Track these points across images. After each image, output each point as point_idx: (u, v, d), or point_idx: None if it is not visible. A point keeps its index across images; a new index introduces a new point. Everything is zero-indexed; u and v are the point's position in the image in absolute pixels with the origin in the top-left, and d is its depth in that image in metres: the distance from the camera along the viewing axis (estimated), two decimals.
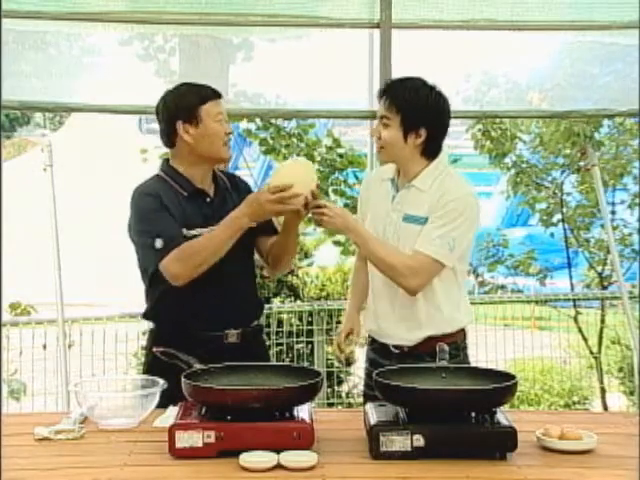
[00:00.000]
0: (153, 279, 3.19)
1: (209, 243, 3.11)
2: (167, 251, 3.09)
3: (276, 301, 7.11)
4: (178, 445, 2.50)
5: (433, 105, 3.24)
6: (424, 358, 3.12)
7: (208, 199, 3.26)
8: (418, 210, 3.24)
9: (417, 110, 3.21)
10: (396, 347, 3.32)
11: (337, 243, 6.91)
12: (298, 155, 7.10)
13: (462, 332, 3.37)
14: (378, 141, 3.27)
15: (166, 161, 3.33)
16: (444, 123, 3.27)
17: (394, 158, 3.28)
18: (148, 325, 3.42)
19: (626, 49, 4.88)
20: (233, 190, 3.34)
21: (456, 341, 3.32)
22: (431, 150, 3.26)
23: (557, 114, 5.40)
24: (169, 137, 3.24)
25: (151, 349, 3.21)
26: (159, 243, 3.11)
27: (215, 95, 3.24)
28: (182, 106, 3.20)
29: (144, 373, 3.22)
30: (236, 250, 3.15)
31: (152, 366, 3.16)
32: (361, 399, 3.73)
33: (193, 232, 3.15)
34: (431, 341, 3.21)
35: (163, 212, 3.16)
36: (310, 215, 3.19)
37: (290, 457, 2.43)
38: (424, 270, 3.18)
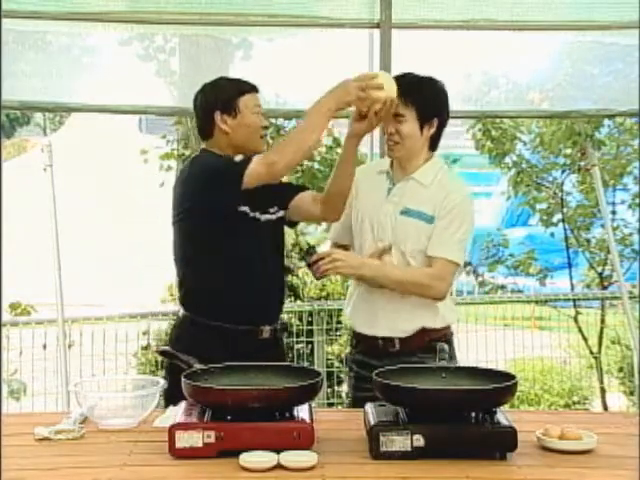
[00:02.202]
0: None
1: (301, 128, 3.20)
2: (249, 161, 3.09)
3: None
4: (178, 445, 2.49)
5: (441, 95, 3.31)
6: (416, 354, 3.12)
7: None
8: (420, 205, 3.26)
9: (430, 100, 3.27)
10: (385, 341, 3.28)
11: None
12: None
13: (450, 328, 3.38)
14: (393, 137, 3.26)
15: (203, 151, 3.36)
16: (449, 113, 3.34)
17: (408, 152, 3.29)
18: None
19: (626, 49, 4.88)
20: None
21: (446, 334, 3.33)
22: (436, 142, 3.33)
23: (557, 114, 5.40)
24: (206, 128, 3.30)
25: (175, 340, 3.27)
26: (239, 157, 3.17)
27: (253, 89, 3.32)
28: (221, 97, 3.27)
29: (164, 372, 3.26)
30: (268, 245, 3.23)
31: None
32: None
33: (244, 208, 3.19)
34: (424, 334, 3.25)
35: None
36: (316, 273, 3.19)
37: (290, 457, 2.43)
38: (447, 274, 3.23)
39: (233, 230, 3.18)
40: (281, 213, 3.33)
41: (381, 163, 3.44)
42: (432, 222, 3.23)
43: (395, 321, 3.27)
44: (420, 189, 3.28)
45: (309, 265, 3.20)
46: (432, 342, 3.23)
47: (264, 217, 3.26)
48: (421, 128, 3.25)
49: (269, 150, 3.25)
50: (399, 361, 3.03)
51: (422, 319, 3.27)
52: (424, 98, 3.26)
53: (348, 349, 3.59)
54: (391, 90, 3.12)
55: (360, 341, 3.40)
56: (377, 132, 4.70)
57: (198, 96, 3.35)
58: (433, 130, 3.27)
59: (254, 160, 3.09)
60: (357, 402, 3.10)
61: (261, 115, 3.32)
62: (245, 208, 3.19)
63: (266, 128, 3.37)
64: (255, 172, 3.07)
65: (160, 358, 5.26)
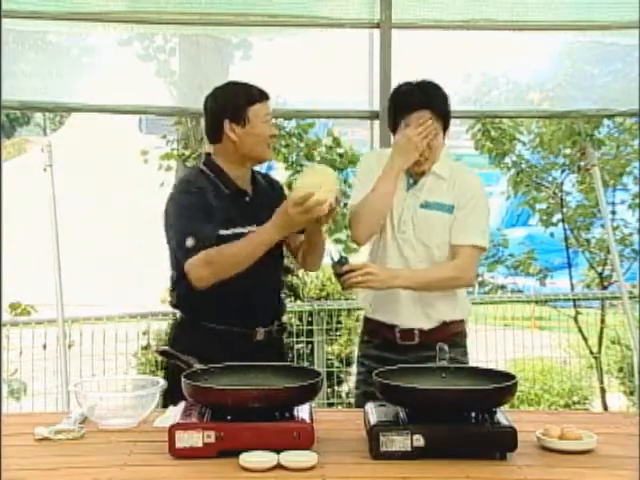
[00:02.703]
0: (183, 273, 3.19)
1: (238, 253, 3.10)
2: (195, 252, 3.10)
3: None
4: (178, 445, 2.50)
5: (446, 97, 3.35)
6: (433, 348, 3.12)
7: (247, 198, 3.28)
8: (440, 197, 3.31)
9: (447, 107, 3.32)
10: (404, 333, 3.32)
11: (338, 241, 6.91)
12: (298, 155, 7.10)
13: (464, 321, 3.45)
14: (425, 154, 3.26)
15: (208, 156, 3.34)
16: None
17: (435, 161, 3.32)
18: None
19: (626, 49, 4.88)
20: (271, 190, 3.38)
21: (463, 330, 3.42)
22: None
23: (557, 114, 5.40)
24: (215, 133, 3.27)
25: (173, 341, 3.28)
26: (190, 242, 3.12)
27: (264, 97, 3.27)
28: (231, 105, 3.23)
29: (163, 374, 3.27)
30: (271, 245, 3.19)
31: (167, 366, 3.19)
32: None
33: (229, 232, 3.17)
34: (444, 328, 3.32)
35: (200, 212, 3.16)
36: (345, 283, 3.20)
37: (290, 457, 2.43)
38: (473, 261, 3.32)
39: (221, 238, 3.17)
40: None
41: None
42: (452, 212, 3.29)
43: (415, 313, 3.32)
44: (439, 182, 3.33)
45: (339, 274, 3.18)
46: (452, 335, 3.32)
47: (253, 227, 3.24)
48: (444, 133, 3.32)
49: (204, 258, 3.08)
50: (417, 355, 3.07)
51: (442, 313, 3.33)
52: (445, 108, 3.31)
53: (357, 344, 3.62)
54: (331, 188, 3.06)
55: (375, 335, 3.42)
56: (377, 132, 4.71)
57: (208, 100, 3.32)
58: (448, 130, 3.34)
59: (194, 261, 3.09)
60: (367, 397, 3.09)
61: (271, 124, 3.29)
62: (227, 231, 3.17)
63: (274, 137, 3.34)
64: (189, 271, 3.11)
65: (160, 358, 5.26)
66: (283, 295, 3.54)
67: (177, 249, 3.16)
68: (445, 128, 3.31)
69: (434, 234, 3.29)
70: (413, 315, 3.32)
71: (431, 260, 3.32)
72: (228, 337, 3.16)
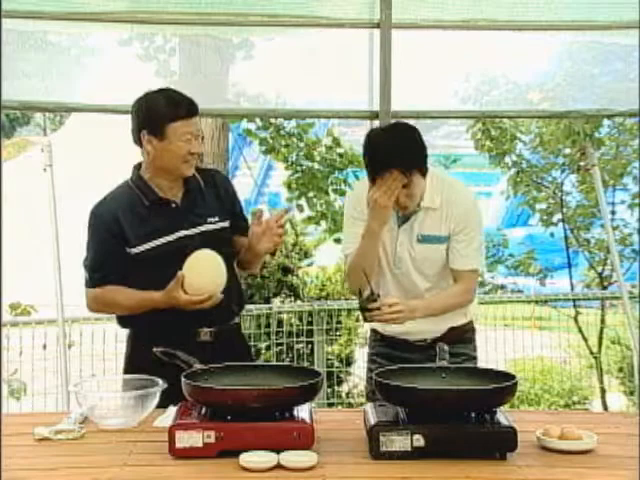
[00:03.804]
0: None
1: (126, 305, 3.23)
2: (89, 286, 3.26)
3: (276, 301, 7.12)
4: (178, 445, 2.50)
5: (419, 136, 3.25)
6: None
7: (173, 205, 3.25)
8: (435, 229, 3.31)
9: (421, 153, 3.24)
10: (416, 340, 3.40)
11: (338, 241, 6.91)
12: (298, 155, 7.11)
13: (472, 322, 3.54)
14: (405, 202, 3.23)
15: (137, 168, 3.32)
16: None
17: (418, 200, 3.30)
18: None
19: (626, 49, 4.88)
20: (208, 187, 3.31)
21: (472, 327, 3.51)
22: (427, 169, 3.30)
23: (557, 114, 5.39)
24: (136, 139, 3.26)
25: (131, 355, 3.33)
26: (86, 275, 3.26)
27: (189, 114, 3.17)
28: (150, 118, 3.17)
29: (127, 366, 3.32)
30: (211, 247, 3.17)
31: (133, 368, 3.18)
32: (361, 399, 3.75)
33: (142, 248, 3.18)
34: (452, 331, 3.39)
35: (101, 241, 3.22)
36: (372, 318, 3.21)
37: (290, 457, 2.43)
38: (475, 282, 3.46)
39: (142, 254, 3.21)
40: (226, 223, 3.30)
41: None
42: (447, 240, 3.31)
43: (422, 327, 3.34)
44: (431, 213, 3.31)
45: (367, 309, 3.17)
46: (462, 333, 3.43)
47: (198, 229, 3.24)
48: (424, 176, 3.25)
49: (96, 296, 3.25)
50: (429, 353, 3.11)
51: (449, 321, 3.39)
52: (419, 155, 3.23)
53: (368, 341, 3.66)
54: (216, 279, 3.14)
55: (383, 337, 3.47)
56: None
57: (135, 104, 3.25)
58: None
59: (88, 292, 3.27)
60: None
61: (193, 141, 3.17)
62: (149, 244, 3.19)
63: (198, 155, 3.23)
64: (85, 296, 3.28)
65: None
66: (241, 292, 3.50)
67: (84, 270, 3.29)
68: (423, 172, 3.22)
69: (433, 264, 3.34)
70: (422, 329, 3.36)
71: (430, 282, 3.35)
72: (173, 338, 3.06)
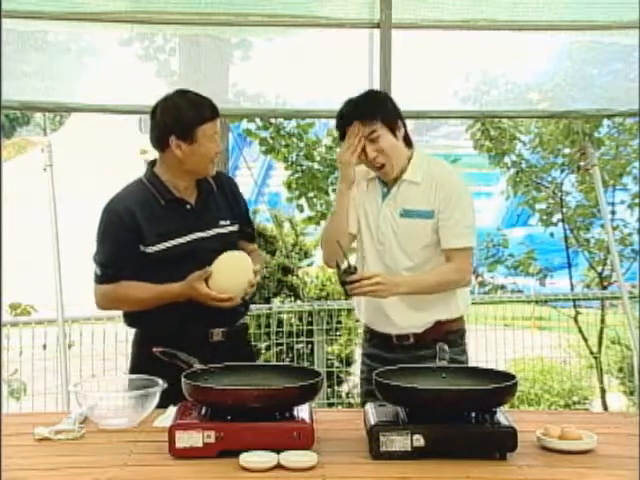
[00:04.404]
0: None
1: (143, 299, 3.20)
2: (101, 281, 3.23)
3: (276, 301, 7.11)
4: (178, 445, 2.50)
5: (387, 97, 3.43)
6: (429, 347, 3.10)
7: (189, 206, 3.26)
8: (418, 204, 3.29)
9: (383, 106, 3.32)
10: (399, 337, 3.33)
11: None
12: (298, 155, 7.11)
13: (463, 318, 3.44)
14: (378, 159, 3.27)
15: (151, 165, 3.31)
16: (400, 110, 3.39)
17: (397, 163, 3.30)
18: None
19: (626, 49, 4.88)
20: (219, 190, 3.34)
21: (461, 328, 3.41)
22: (409, 138, 3.35)
23: (557, 114, 5.40)
24: (160, 145, 3.24)
25: (138, 351, 3.30)
26: (98, 270, 3.25)
27: (213, 115, 3.21)
28: (179, 122, 3.17)
29: (132, 370, 3.28)
30: (221, 249, 3.18)
31: (140, 369, 3.16)
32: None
33: (157, 247, 3.18)
34: (439, 326, 3.31)
35: (115, 237, 3.21)
36: (352, 291, 3.19)
37: (290, 457, 2.43)
38: (467, 262, 3.33)
39: (157, 253, 3.21)
40: (235, 227, 3.32)
41: (367, 170, 3.41)
42: (432, 216, 3.28)
43: (408, 318, 3.32)
44: (413, 187, 3.31)
45: (346, 282, 3.16)
46: (448, 333, 3.32)
47: (213, 231, 3.25)
48: (394, 134, 3.28)
49: (107, 292, 3.24)
50: (414, 354, 3.11)
51: (436, 313, 3.33)
52: (379, 105, 3.31)
53: (361, 343, 3.63)
54: (246, 274, 3.16)
55: (374, 335, 3.44)
56: None
57: (157, 109, 3.24)
58: (403, 130, 3.31)
59: (98, 289, 3.26)
60: (368, 396, 3.10)
61: (218, 140, 3.24)
62: (164, 245, 3.19)
63: (219, 153, 3.29)
64: (94, 295, 3.28)
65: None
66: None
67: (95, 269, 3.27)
68: (391, 127, 3.27)
69: (416, 241, 3.30)
70: (405, 321, 3.32)
71: (414, 262, 3.31)
72: (184, 340, 3.08)
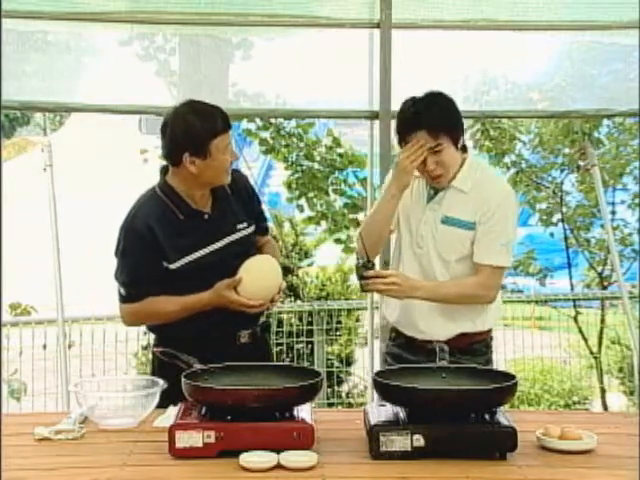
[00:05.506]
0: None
1: (171, 312, 3.16)
2: (125, 301, 3.19)
3: None
4: (178, 445, 2.50)
5: (453, 104, 3.25)
6: (455, 354, 3.08)
7: (206, 216, 3.23)
8: (461, 213, 3.22)
9: (450, 116, 3.21)
10: (423, 342, 3.29)
11: (338, 241, 6.91)
12: (298, 155, 7.10)
13: (491, 331, 3.38)
14: (435, 171, 3.19)
15: (164, 174, 3.25)
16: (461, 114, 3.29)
17: (452, 172, 3.23)
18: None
19: (626, 49, 4.88)
20: (233, 194, 3.30)
21: (486, 339, 3.35)
22: (464, 144, 3.27)
23: (557, 114, 5.40)
24: (173, 160, 3.16)
25: (160, 364, 3.23)
26: (122, 290, 3.19)
27: (225, 127, 3.13)
28: (191, 139, 3.09)
29: (151, 374, 3.24)
30: (242, 252, 3.17)
31: (159, 366, 3.17)
32: (361, 399, 3.74)
33: (180, 263, 3.15)
34: (464, 338, 3.26)
35: (137, 257, 3.16)
36: (366, 287, 3.16)
37: (290, 457, 2.43)
38: (496, 280, 3.24)
39: (178, 270, 3.18)
40: (252, 228, 3.30)
41: None
42: (473, 228, 3.21)
43: (433, 326, 3.28)
44: (460, 196, 3.24)
45: (362, 277, 3.14)
46: (473, 345, 3.28)
47: (232, 237, 3.23)
48: (456, 145, 3.21)
49: (134, 310, 3.19)
50: (434, 358, 3.04)
51: (460, 325, 3.27)
52: (446, 116, 3.20)
53: (386, 342, 3.60)
54: (275, 279, 3.15)
55: (399, 335, 3.41)
56: (377, 132, 4.71)
57: (168, 125, 3.14)
58: (462, 139, 3.23)
59: (125, 308, 3.21)
60: None
61: (232, 149, 3.19)
62: (186, 259, 3.17)
63: (234, 159, 3.25)
64: (120, 313, 3.25)
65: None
66: None
67: (118, 288, 3.22)
68: (455, 140, 3.19)
69: (453, 250, 3.23)
70: (432, 328, 3.27)
71: (450, 273, 3.25)
72: (211, 342, 3.10)
